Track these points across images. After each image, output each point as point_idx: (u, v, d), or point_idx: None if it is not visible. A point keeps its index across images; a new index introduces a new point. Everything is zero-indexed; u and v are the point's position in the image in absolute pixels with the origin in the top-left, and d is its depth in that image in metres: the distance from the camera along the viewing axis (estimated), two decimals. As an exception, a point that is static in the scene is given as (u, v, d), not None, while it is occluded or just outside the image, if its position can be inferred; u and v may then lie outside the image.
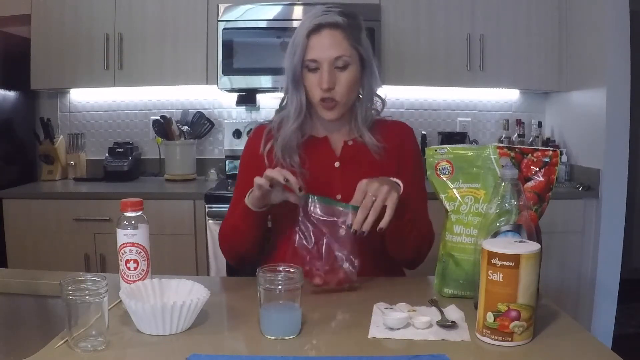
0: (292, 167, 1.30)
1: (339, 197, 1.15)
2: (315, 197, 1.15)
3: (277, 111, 1.38)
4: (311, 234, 1.13)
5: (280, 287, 0.94)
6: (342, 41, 1.25)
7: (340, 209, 1.13)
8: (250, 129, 2.23)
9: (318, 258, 1.12)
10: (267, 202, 1.21)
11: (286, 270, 0.98)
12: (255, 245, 1.30)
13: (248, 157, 1.40)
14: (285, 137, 1.31)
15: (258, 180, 1.15)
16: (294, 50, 1.27)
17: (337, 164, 1.33)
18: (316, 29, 1.24)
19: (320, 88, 1.25)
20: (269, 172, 1.15)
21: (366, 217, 1.09)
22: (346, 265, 1.13)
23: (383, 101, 1.39)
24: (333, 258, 1.12)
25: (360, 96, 1.34)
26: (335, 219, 1.13)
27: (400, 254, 1.29)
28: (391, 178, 1.17)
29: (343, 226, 1.12)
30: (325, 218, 1.13)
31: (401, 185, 1.17)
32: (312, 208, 1.14)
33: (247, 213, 1.23)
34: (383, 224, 1.09)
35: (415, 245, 1.27)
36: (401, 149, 1.36)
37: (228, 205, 1.38)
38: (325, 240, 1.12)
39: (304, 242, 1.13)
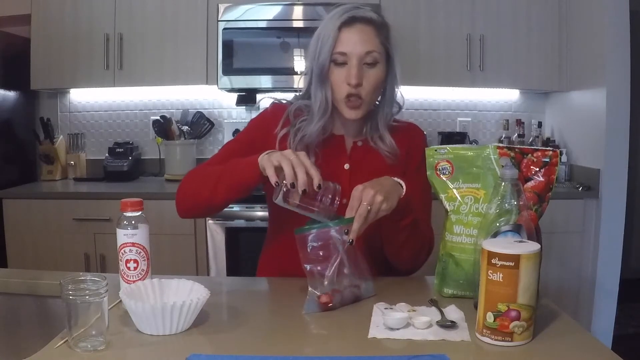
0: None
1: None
2: (312, 229, 1.08)
3: (296, 98, 1.33)
4: (318, 271, 1.07)
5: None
6: (373, 37, 1.22)
7: (334, 226, 1.07)
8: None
9: (331, 282, 1.07)
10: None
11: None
12: (225, 204, 1.24)
13: (258, 129, 1.33)
14: (311, 135, 1.26)
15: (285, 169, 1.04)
16: (321, 43, 1.21)
17: (346, 166, 1.30)
18: (349, 22, 1.21)
19: (347, 83, 1.21)
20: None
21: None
22: (361, 282, 1.10)
23: (400, 107, 1.35)
24: (345, 278, 1.08)
25: (378, 102, 1.30)
26: (333, 239, 1.08)
27: (398, 257, 1.27)
28: (394, 178, 1.16)
29: (346, 240, 1.07)
30: (322, 243, 1.07)
31: (404, 186, 1.15)
32: (309, 245, 1.07)
33: (248, 177, 1.12)
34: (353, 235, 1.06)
35: (415, 249, 1.25)
36: (409, 154, 1.33)
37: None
38: (333, 267, 1.07)
39: (316, 277, 1.07)
